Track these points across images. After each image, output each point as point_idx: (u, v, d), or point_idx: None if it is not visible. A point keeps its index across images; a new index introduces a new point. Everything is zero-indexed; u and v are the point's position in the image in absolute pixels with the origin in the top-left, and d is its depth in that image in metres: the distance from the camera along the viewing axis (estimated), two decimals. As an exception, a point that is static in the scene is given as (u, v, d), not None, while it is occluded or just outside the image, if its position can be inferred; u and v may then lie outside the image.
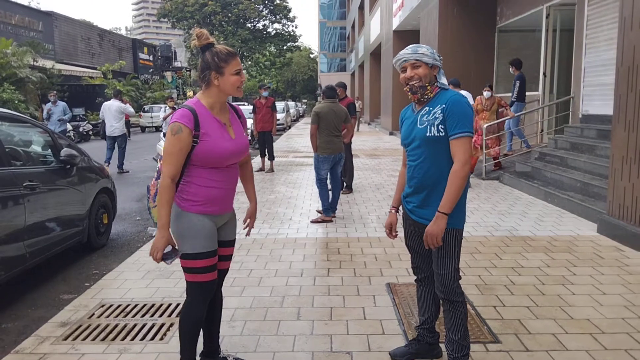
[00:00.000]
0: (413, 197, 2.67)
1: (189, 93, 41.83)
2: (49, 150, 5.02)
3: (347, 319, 3.45)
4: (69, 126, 17.72)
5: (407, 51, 2.59)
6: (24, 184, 4.19)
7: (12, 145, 4.62)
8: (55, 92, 14.58)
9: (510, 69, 9.83)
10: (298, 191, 8.48)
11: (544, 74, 10.52)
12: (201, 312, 2.58)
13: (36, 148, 5.14)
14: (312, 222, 6.29)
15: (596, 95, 8.48)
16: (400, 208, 2.87)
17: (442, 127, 2.49)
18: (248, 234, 2.91)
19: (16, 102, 19.01)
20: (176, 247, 2.48)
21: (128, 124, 12.99)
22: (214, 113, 2.51)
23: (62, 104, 13.37)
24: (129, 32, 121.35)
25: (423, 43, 14.63)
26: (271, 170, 10.87)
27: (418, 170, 2.59)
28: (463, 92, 8.02)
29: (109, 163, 11.50)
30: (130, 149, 13.98)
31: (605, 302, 3.69)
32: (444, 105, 2.50)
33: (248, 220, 2.91)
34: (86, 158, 5.52)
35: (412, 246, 2.82)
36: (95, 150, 17.23)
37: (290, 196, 8.09)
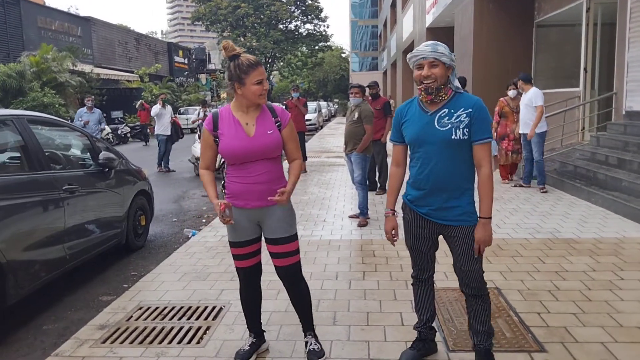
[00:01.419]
0: (429, 199, 2.65)
1: (223, 95, 42.34)
2: (88, 153, 5.11)
3: (384, 325, 3.37)
4: (107, 128, 18.22)
5: (426, 49, 2.54)
6: (64, 187, 4.26)
7: (51, 149, 4.72)
8: (92, 96, 12.60)
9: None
10: (331, 192, 8.43)
11: (585, 69, 10.16)
12: (244, 293, 3.03)
13: (75, 152, 5.25)
14: (359, 225, 6.19)
15: (641, 91, 8.14)
16: (400, 210, 2.85)
17: (467, 130, 2.53)
18: (276, 199, 2.72)
19: (57, 106, 19.55)
20: (229, 206, 2.71)
21: (174, 126, 12.67)
22: (237, 115, 2.79)
23: (97, 112, 11.59)
24: (164, 36, 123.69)
25: (458, 40, 14.37)
26: (304, 170, 10.86)
27: (437, 172, 2.58)
28: (532, 89, 7.72)
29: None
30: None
31: (657, 309, 3.51)
32: (470, 110, 2.54)
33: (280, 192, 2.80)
34: (124, 161, 5.60)
35: (419, 247, 2.80)
36: (133, 152, 17.63)
37: (324, 197, 8.04)
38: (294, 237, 2.91)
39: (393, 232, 2.80)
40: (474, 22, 12.47)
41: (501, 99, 8.60)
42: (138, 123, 23.00)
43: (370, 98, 8.13)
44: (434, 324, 3.01)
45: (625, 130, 8.11)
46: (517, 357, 2.93)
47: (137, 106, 21.45)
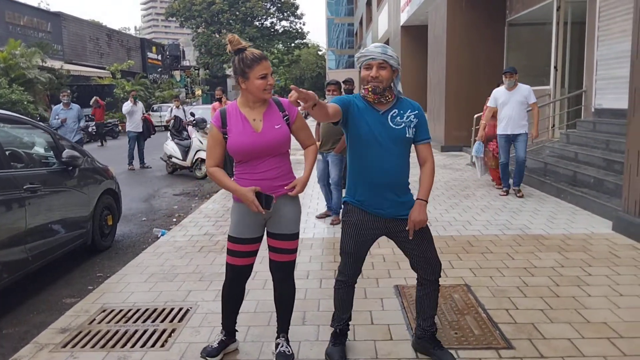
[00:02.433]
0: (384, 194, 2.70)
1: (198, 92, 41.86)
2: (51, 152, 4.96)
3: (353, 324, 3.32)
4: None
5: (376, 49, 2.61)
6: (25, 187, 4.12)
7: (12, 147, 4.56)
8: (68, 91, 11.26)
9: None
10: (305, 190, 8.35)
11: (555, 67, 10.31)
12: (227, 290, 2.93)
13: (37, 150, 5.09)
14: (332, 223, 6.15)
15: (609, 89, 8.28)
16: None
17: (414, 130, 2.70)
18: (286, 191, 2.80)
19: (25, 102, 19.02)
20: (269, 195, 2.68)
21: (146, 123, 12.39)
22: (244, 111, 2.74)
23: (76, 107, 10.58)
24: (138, 32, 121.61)
25: (431, 38, 14.46)
26: None
27: (391, 168, 2.66)
28: (527, 86, 7.06)
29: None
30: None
31: (623, 304, 3.55)
32: (417, 112, 2.72)
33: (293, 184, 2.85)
34: (89, 159, 5.46)
35: (359, 252, 2.84)
36: (103, 150, 17.29)
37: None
38: (297, 236, 2.89)
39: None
40: (447, 20, 12.55)
41: (489, 97, 7.66)
42: (109, 120, 22.56)
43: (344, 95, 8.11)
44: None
45: (594, 127, 8.25)
46: (484, 354, 2.92)
47: (91, 103, 19.46)
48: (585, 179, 6.93)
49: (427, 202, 2.70)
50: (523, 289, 3.88)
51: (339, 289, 2.94)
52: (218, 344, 2.96)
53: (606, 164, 6.89)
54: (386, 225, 2.76)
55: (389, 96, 2.66)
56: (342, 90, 8.03)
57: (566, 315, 3.40)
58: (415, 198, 2.73)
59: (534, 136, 7.33)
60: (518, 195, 7.21)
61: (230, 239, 2.83)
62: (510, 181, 7.50)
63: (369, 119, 2.65)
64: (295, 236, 2.87)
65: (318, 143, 6.35)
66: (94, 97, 19.81)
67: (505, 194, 7.35)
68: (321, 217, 6.43)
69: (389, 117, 2.66)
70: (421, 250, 2.76)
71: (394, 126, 2.65)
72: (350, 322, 3.02)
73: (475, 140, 8.46)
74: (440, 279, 2.86)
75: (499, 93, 7.21)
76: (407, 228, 2.68)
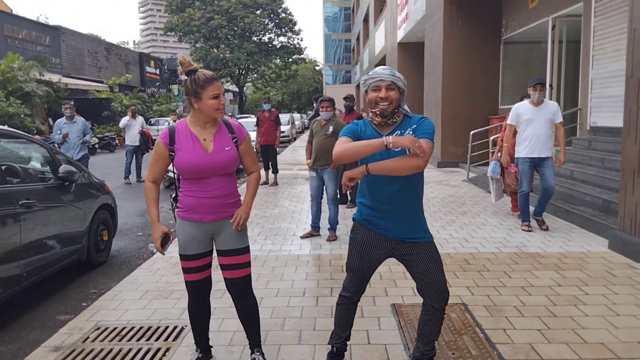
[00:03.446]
0: (389, 219, 2.66)
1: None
2: (47, 166, 4.95)
3: (350, 343, 3.29)
4: (94, 139, 16.75)
5: (384, 71, 2.60)
6: (20, 202, 4.10)
7: (8, 162, 4.54)
8: (72, 103, 10.20)
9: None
10: (302, 205, 8.36)
11: (551, 85, 10.38)
12: (192, 306, 2.99)
13: (34, 164, 5.07)
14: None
15: (604, 107, 8.34)
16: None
17: None
18: (234, 227, 2.84)
19: (22, 116, 19.02)
20: (169, 236, 2.87)
21: (143, 137, 12.32)
22: (195, 130, 2.79)
23: (80, 121, 9.67)
24: (136, 46, 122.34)
25: (428, 55, 14.57)
26: (275, 183, 10.75)
27: (395, 192, 2.61)
28: (551, 102, 6.28)
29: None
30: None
31: (620, 324, 3.53)
32: (414, 126, 2.61)
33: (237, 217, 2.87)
34: (86, 174, 5.44)
35: (363, 269, 2.79)
36: (101, 164, 17.26)
37: (294, 210, 7.97)
38: (247, 250, 2.92)
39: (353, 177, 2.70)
40: (444, 37, 12.66)
41: (516, 106, 6.45)
42: (107, 133, 22.54)
43: (345, 112, 8.09)
44: None
45: (589, 145, 8.29)
46: (482, 376, 2.90)
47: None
48: (580, 196, 6.94)
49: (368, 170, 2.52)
50: (520, 308, 3.86)
51: (341, 305, 2.91)
52: None
53: (602, 182, 6.91)
54: (393, 247, 2.71)
55: (396, 117, 2.62)
56: (343, 106, 8.07)
57: (563, 336, 3.38)
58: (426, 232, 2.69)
59: (562, 162, 6.30)
60: (543, 227, 6.26)
61: (182, 257, 2.89)
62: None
63: None
64: (243, 250, 2.90)
65: (310, 161, 6.36)
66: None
67: (528, 228, 6.19)
68: (305, 237, 6.27)
69: None
70: (429, 275, 2.68)
71: (396, 150, 2.53)
72: (348, 342, 2.99)
73: (483, 161, 8.12)
74: (444, 309, 2.77)
75: (523, 109, 6.18)
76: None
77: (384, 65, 22.65)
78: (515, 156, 6.32)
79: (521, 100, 6.68)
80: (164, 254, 2.78)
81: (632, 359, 3.05)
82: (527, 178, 6.22)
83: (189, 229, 2.83)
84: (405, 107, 2.67)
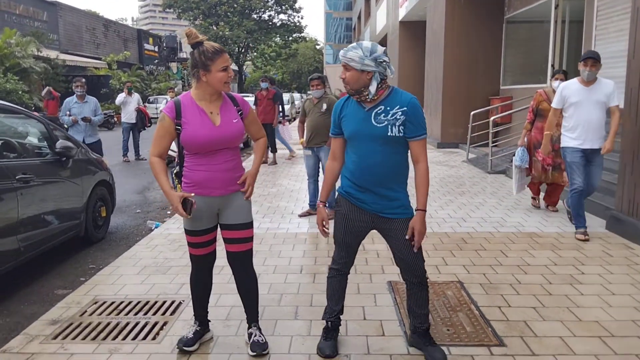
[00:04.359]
0: (367, 192, 2.70)
1: (194, 84, 41.58)
2: (45, 142, 4.92)
3: (346, 319, 3.32)
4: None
5: (344, 50, 2.62)
6: (17, 177, 4.09)
7: (5, 137, 4.52)
8: (83, 80, 8.56)
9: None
10: (300, 184, 8.35)
11: (553, 65, 10.30)
12: (194, 279, 3.00)
13: (31, 140, 5.04)
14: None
15: (606, 88, 8.27)
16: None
17: (402, 128, 2.60)
18: (246, 196, 2.90)
19: (20, 92, 18.91)
20: (188, 199, 2.70)
21: (140, 114, 12.21)
22: (202, 104, 2.74)
23: (92, 101, 8.32)
24: (135, 23, 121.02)
25: (429, 34, 14.41)
26: (274, 162, 10.72)
27: (373, 166, 2.64)
28: (610, 81, 5.14)
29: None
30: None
31: (615, 303, 3.55)
32: (405, 108, 2.59)
33: (245, 180, 2.91)
34: (83, 150, 5.42)
35: (349, 242, 2.86)
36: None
37: (293, 189, 7.97)
38: (250, 225, 2.94)
39: (324, 224, 2.87)
40: (446, 16, 12.52)
41: (539, 90, 6.23)
42: (105, 111, 22.40)
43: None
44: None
45: (589, 126, 8.23)
46: (476, 351, 2.92)
47: (42, 94, 16.07)
48: (580, 177, 6.92)
49: (425, 211, 2.66)
50: (516, 286, 3.88)
51: (332, 278, 2.96)
52: (193, 334, 3.01)
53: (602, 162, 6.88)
54: (372, 220, 2.75)
55: (366, 95, 2.60)
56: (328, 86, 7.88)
57: (558, 314, 3.40)
58: (415, 208, 2.69)
59: (606, 149, 4.98)
60: (551, 209, 6.20)
61: (187, 232, 2.89)
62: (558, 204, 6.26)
63: (355, 117, 2.68)
64: (248, 225, 2.91)
65: (303, 140, 6.32)
66: (47, 87, 16.48)
67: (584, 237, 5.06)
68: (303, 215, 6.27)
69: (373, 114, 2.63)
70: (400, 252, 2.74)
71: (375, 124, 2.60)
72: (341, 317, 3.02)
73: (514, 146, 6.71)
74: (426, 280, 2.83)
75: (571, 89, 5.15)
76: (407, 237, 2.66)
77: (386, 44, 22.44)
78: (562, 145, 5.29)
79: (563, 78, 5.91)
80: (189, 217, 2.71)
81: (625, 337, 3.08)
82: (579, 171, 5.08)
83: (197, 203, 2.79)
84: (372, 87, 2.57)
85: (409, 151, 2.70)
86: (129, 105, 12.28)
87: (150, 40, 41.08)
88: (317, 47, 69.29)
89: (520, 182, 6.44)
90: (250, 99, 12.93)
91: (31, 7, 25.63)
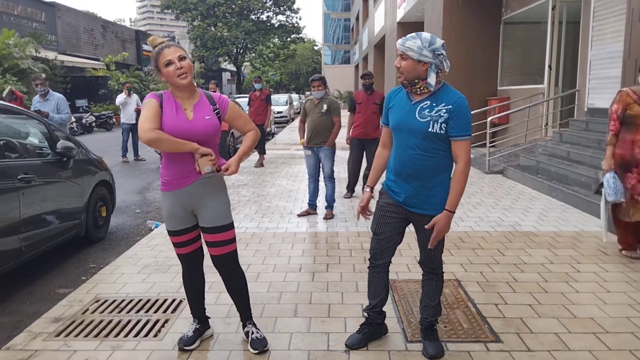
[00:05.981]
0: (403, 185, 2.72)
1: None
2: (45, 142, 4.96)
3: (345, 317, 3.38)
4: (72, 117, 16.80)
5: (402, 39, 2.59)
6: (19, 177, 4.13)
7: (6, 137, 4.55)
8: (43, 76, 8.66)
9: None
10: (299, 184, 8.40)
11: (550, 66, 10.37)
12: (186, 276, 3.05)
13: (32, 140, 5.08)
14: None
15: (602, 88, 8.33)
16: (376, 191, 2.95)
17: (445, 125, 2.56)
18: (224, 168, 2.78)
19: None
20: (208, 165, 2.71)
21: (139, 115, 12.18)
22: (178, 100, 2.78)
23: (55, 98, 8.09)
24: (133, 24, 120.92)
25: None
26: (260, 164, 10.55)
27: (412, 160, 2.65)
28: None
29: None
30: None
31: (610, 301, 3.61)
32: (450, 107, 2.56)
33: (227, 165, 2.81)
34: (84, 150, 5.46)
35: (382, 233, 2.87)
36: (98, 142, 17.22)
37: (292, 189, 8.02)
38: (230, 226, 2.92)
39: (363, 206, 2.92)
40: (443, 17, 12.58)
41: (625, 90, 4.43)
42: (104, 112, 22.44)
43: (363, 90, 7.19)
44: (384, 309, 3.08)
45: (587, 126, 8.31)
46: (473, 347, 2.97)
47: (4, 95, 16.25)
48: (576, 177, 6.99)
49: (453, 212, 2.63)
50: (512, 284, 3.94)
51: (370, 269, 2.99)
52: (193, 332, 3.04)
53: (597, 162, 6.93)
54: (405, 213, 2.77)
55: (424, 89, 2.58)
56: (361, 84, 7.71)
57: (554, 311, 3.45)
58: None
59: None
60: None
61: (168, 232, 2.93)
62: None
63: (401, 109, 2.69)
64: (226, 227, 2.89)
65: (303, 140, 6.35)
66: (9, 87, 16.03)
67: None
68: (302, 215, 6.30)
69: (418, 108, 2.60)
70: (422, 242, 2.80)
71: (418, 118, 2.58)
72: (383, 312, 3.06)
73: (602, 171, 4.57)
74: (441, 273, 2.89)
75: None
76: (426, 226, 2.66)
77: (384, 45, 22.44)
78: None
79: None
80: (204, 173, 2.71)
81: (619, 333, 3.13)
82: None
83: (170, 205, 2.84)
84: (431, 79, 2.54)
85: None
86: (128, 106, 12.31)
87: (149, 41, 41.05)
88: (315, 47, 69.32)
89: (609, 222, 4.74)
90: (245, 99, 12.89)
91: (29, 8, 25.62)
